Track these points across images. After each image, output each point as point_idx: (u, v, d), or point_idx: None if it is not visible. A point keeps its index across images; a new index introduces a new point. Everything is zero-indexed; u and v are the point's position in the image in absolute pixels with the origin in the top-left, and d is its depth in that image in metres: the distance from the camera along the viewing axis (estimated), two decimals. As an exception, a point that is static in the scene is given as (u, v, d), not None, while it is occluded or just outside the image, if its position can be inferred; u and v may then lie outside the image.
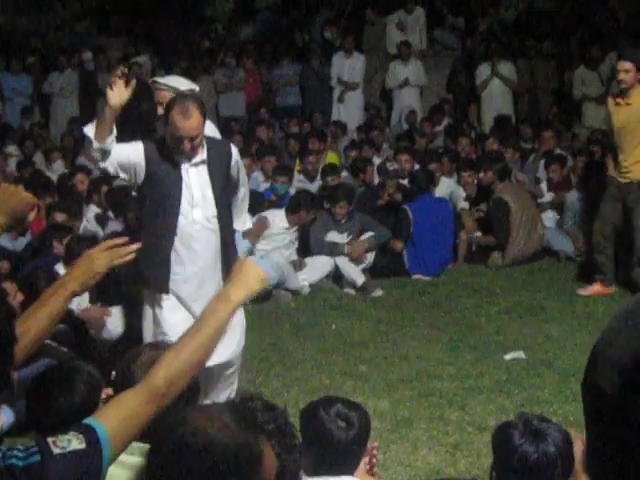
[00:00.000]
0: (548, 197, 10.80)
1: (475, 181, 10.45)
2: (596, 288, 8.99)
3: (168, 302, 5.71)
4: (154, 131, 6.47)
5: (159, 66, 15.59)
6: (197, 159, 5.61)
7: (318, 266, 9.48)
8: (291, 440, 2.60)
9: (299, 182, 11.19)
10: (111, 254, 3.05)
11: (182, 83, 6.19)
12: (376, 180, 11.15)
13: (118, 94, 5.38)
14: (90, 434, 2.29)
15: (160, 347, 3.27)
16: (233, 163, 5.84)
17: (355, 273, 9.36)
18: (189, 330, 2.59)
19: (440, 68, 15.21)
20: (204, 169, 5.65)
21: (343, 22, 15.72)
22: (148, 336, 5.75)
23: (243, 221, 6.22)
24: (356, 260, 9.48)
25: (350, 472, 3.43)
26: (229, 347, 5.68)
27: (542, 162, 11.28)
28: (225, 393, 5.97)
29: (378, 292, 9.21)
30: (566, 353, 7.40)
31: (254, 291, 2.71)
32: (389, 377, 7.07)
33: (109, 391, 3.36)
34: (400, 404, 6.54)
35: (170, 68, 15.32)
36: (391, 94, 14.89)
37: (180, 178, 5.59)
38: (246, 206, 6.24)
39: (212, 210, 5.66)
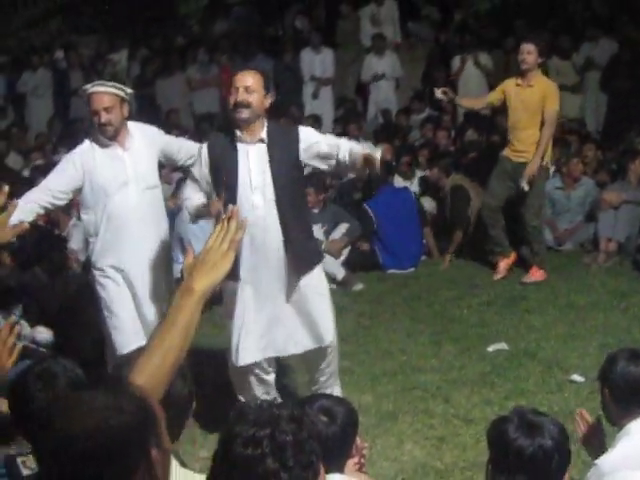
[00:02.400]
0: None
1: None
2: (502, 267, 9.10)
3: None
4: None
5: (131, 61, 15.49)
6: (255, 137, 5.50)
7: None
8: (308, 457, 2.45)
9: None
10: None
11: (119, 87, 6.08)
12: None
13: None
14: None
15: None
16: (305, 147, 5.53)
17: (335, 267, 9.32)
18: (158, 332, 2.47)
19: (415, 60, 15.15)
20: (264, 149, 5.48)
21: (315, 14, 15.64)
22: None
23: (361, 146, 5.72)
24: (335, 255, 9.45)
25: (338, 469, 3.39)
26: (309, 336, 5.84)
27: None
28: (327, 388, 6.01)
29: (359, 286, 9.18)
30: (548, 343, 7.39)
31: (219, 277, 2.56)
32: (372, 371, 7.05)
33: None
34: (384, 398, 6.53)
35: (144, 65, 15.21)
36: (366, 88, 14.83)
37: (237, 161, 5.49)
38: (346, 143, 5.60)
39: (271, 194, 5.48)
